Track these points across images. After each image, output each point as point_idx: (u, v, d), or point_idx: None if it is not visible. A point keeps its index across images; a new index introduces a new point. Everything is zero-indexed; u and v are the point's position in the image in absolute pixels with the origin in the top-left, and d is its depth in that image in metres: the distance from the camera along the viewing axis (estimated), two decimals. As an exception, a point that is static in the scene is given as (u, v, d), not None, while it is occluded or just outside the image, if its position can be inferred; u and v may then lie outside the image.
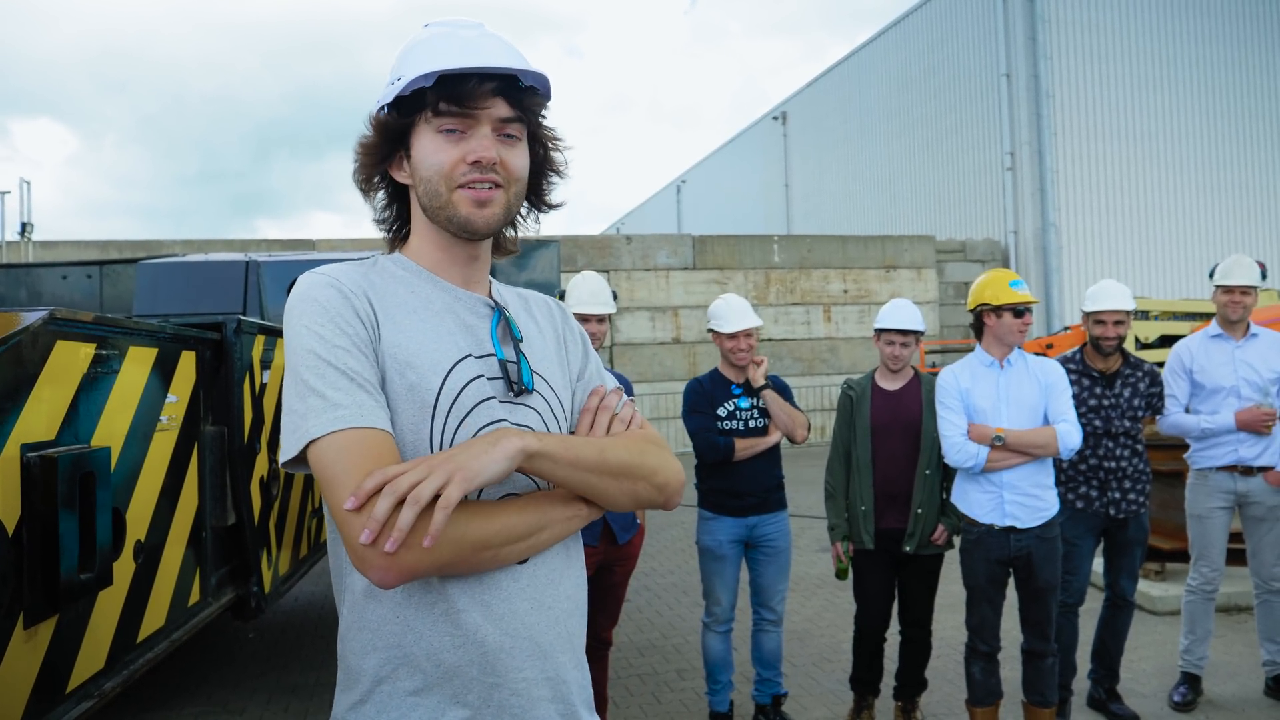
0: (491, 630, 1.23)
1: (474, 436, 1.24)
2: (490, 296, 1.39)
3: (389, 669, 1.22)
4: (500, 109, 1.27)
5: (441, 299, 1.32)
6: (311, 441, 1.15)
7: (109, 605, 2.20)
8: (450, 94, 1.25)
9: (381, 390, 1.21)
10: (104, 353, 2.23)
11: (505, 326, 1.36)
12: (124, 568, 2.26)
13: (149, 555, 2.42)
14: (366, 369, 1.20)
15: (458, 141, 1.27)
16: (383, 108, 1.30)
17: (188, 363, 2.75)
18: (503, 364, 1.31)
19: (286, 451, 1.18)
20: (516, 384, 1.32)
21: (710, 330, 4.03)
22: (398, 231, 1.41)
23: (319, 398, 1.16)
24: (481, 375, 1.28)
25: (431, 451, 1.23)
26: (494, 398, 1.28)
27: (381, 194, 1.39)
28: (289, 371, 1.20)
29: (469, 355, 1.29)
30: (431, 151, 1.28)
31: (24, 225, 14.40)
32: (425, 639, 1.21)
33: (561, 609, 1.31)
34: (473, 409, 1.26)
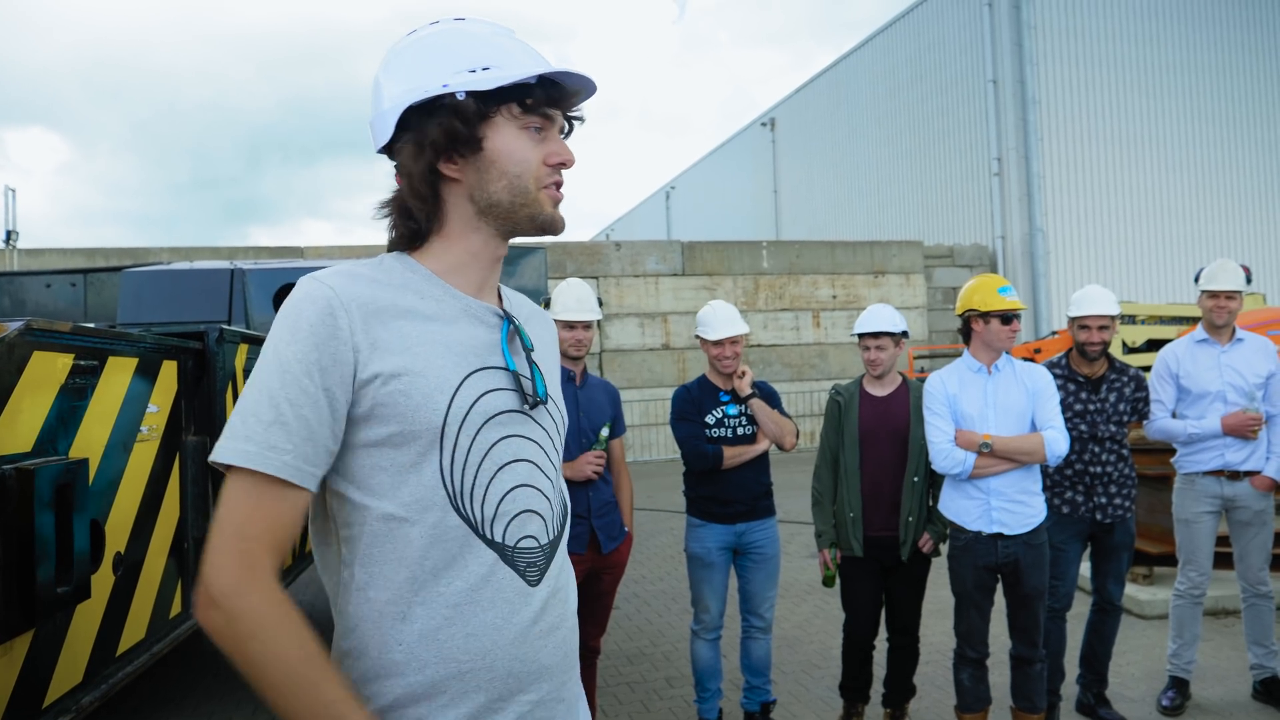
0: (500, 656, 1.21)
1: (488, 452, 1.22)
2: (500, 305, 1.35)
3: (388, 699, 1.19)
4: (562, 119, 1.31)
5: (453, 307, 1.26)
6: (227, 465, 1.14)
7: (87, 618, 2.17)
8: (549, 96, 1.25)
9: (335, 426, 1.16)
10: (83, 363, 2.20)
11: (515, 336, 1.32)
12: (103, 580, 2.23)
13: (129, 567, 2.39)
14: (311, 413, 1.14)
15: (539, 142, 1.27)
16: (462, 94, 1.22)
17: (169, 372, 2.72)
18: (515, 376, 1.27)
19: (214, 455, 1.16)
20: (531, 396, 1.28)
21: (698, 337, 4.03)
22: (414, 232, 1.29)
23: (257, 421, 1.13)
24: (494, 389, 1.25)
25: (442, 473, 1.19)
26: (506, 411, 1.25)
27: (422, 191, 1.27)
28: (254, 372, 1.18)
29: (480, 368, 1.24)
30: (520, 148, 1.25)
31: (8, 233, 14.31)
32: (430, 667, 1.18)
33: (567, 627, 1.30)
34: (484, 424, 1.22)
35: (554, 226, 1.30)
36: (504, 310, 1.33)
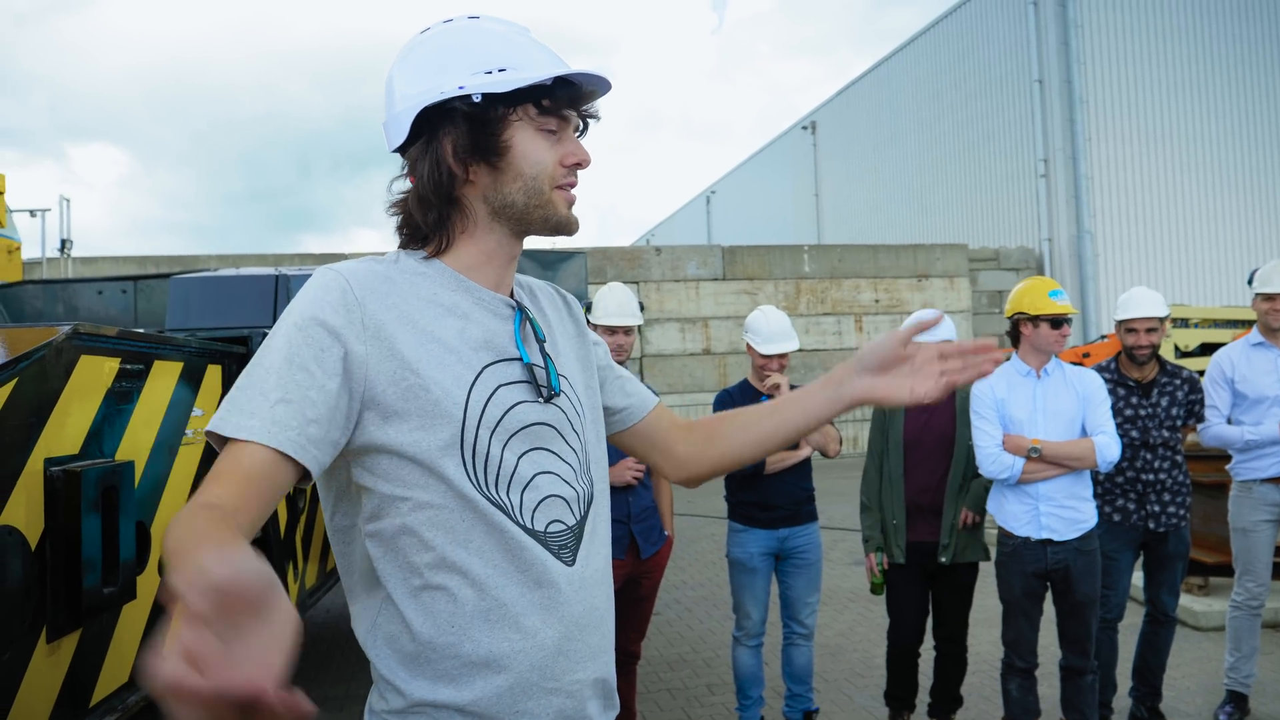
0: (550, 634, 1.21)
1: (508, 442, 1.21)
2: (512, 296, 1.35)
3: (428, 694, 1.18)
4: (578, 118, 1.31)
5: (464, 302, 1.27)
6: (224, 437, 1.11)
7: (133, 619, 2.20)
8: (564, 96, 1.25)
9: (338, 415, 1.14)
10: (129, 367, 2.23)
11: (528, 327, 1.32)
12: (148, 581, 2.26)
13: (174, 569, 2.42)
14: (317, 395, 1.13)
15: (555, 143, 1.27)
16: (478, 96, 1.21)
17: (214, 376, 2.75)
18: (528, 367, 1.28)
19: (213, 426, 1.14)
20: (545, 388, 1.28)
21: (748, 342, 3.97)
22: (423, 233, 1.30)
23: (262, 398, 1.11)
24: (509, 381, 1.25)
25: (464, 464, 1.18)
26: (524, 402, 1.25)
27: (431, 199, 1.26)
28: (260, 351, 1.17)
29: (493, 362, 1.25)
30: (535, 150, 1.25)
31: (63, 241, 14.65)
32: (484, 645, 1.18)
33: (605, 608, 1.30)
34: (503, 416, 1.22)
35: (567, 227, 1.30)
36: (516, 301, 1.33)
